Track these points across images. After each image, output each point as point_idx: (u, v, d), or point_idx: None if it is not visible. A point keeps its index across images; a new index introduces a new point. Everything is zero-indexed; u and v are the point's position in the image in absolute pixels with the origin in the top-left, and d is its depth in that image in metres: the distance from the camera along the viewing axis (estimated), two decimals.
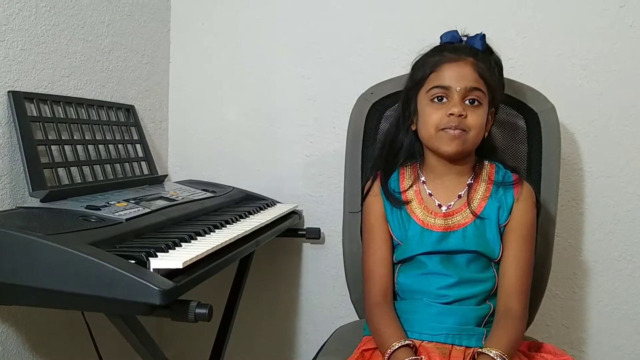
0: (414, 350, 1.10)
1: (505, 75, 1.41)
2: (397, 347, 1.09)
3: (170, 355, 1.28)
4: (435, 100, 1.17)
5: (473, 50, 1.18)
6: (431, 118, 1.17)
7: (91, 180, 1.37)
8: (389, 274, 1.24)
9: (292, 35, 1.78)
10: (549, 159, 1.36)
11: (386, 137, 1.34)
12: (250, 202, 1.69)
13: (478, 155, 1.26)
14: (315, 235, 1.75)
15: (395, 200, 1.25)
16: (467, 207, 1.20)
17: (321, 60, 1.76)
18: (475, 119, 1.15)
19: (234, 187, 1.74)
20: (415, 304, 1.19)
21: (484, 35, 1.21)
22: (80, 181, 1.33)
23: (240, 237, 1.23)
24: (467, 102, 1.15)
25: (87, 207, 1.17)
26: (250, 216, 1.48)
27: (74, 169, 1.32)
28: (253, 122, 1.84)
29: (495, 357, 1.04)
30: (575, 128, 1.58)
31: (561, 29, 1.57)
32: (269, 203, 1.69)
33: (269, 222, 1.45)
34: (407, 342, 1.10)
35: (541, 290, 1.39)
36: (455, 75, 1.16)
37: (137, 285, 0.89)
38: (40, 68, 1.29)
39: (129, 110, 1.63)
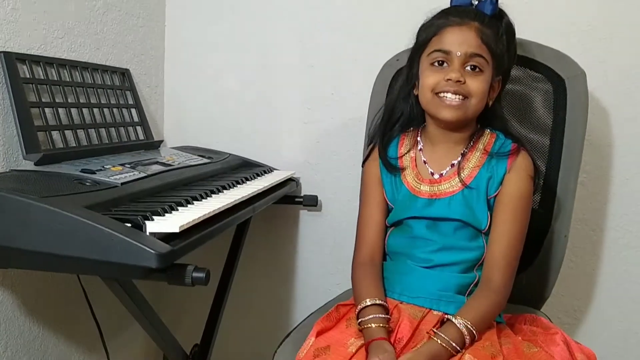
0: (386, 310, 1.11)
1: (534, 39, 1.37)
2: (368, 304, 1.10)
3: (167, 320, 1.28)
4: (436, 64, 1.15)
5: (480, 15, 1.15)
6: (428, 80, 1.15)
7: (86, 144, 1.35)
8: (379, 236, 1.25)
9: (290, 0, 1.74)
10: (573, 129, 1.31)
11: (389, 102, 1.32)
12: (247, 168, 1.68)
13: (481, 123, 1.23)
14: (312, 202, 1.75)
15: (391, 167, 1.24)
16: (457, 175, 1.19)
17: (320, 26, 1.73)
18: (477, 85, 1.13)
19: (230, 154, 1.73)
20: (401, 266, 1.20)
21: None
22: (74, 145, 1.31)
23: (237, 202, 1.23)
24: (467, 68, 1.13)
25: (82, 170, 1.15)
26: (247, 182, 1.47)
27: (68, 133, 1.30)
28: (250, 88, 1.81)
29: (459, 326, 1.03)
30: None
31: None
32: (266, 170, 1.68)
33: (266, 188, 1.44)
34: (379, 301, 1.11)
35: (557, 266, 1.36)
36: (457, 40, 1.13)
37: (133, 249, 0.88)
38: (33, 28, 1.26)
39: (124, 74, 1.60)
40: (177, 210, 1.08)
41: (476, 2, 1.18)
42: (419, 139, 1.26)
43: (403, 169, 1.24)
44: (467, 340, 1.03)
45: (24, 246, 0.93)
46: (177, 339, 1.30)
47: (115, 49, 1.58)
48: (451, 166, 1.21)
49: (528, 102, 1.38)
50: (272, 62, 1.78)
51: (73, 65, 1.37)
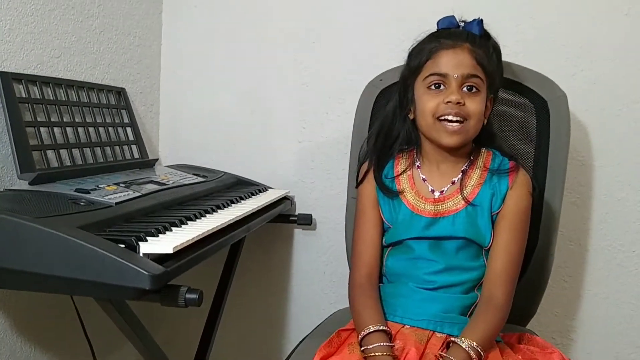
0: (389, 336, 1.10)
1: (514, 61, 1.40)
2: (371, 330, 1.09)
3: (159, 341, 1.27)
4: (433, 87, 1.16)
5: (470, 36, 1.17)
6: (428, 105, 1.15)
7: (81, 163, 1.35)
8: (376, 257, 1.24)
9: (286, 19, 1.76)
10: (556, 149, 1.33)
11: (382, 125, 1.31)
12: (242, 187, 1.68)
13: (476, 142, 1.24)
14: (306, 221, 1.75)
15: (388, 191, 1.24)
16: (460, 193, 1.19)
17: (315, 46, 1.74)
18: (474, 106, 1.14)
19: (225, 172, 1.73)
20: (401, 288, 1.19)
21: (481, 20, 1.19)
22: (69, 164, 1.31)
23: (231, 222, 1.23)
24: (464, 89, 1.14)
25: (77, 190, 1.15)
26: (242, 201, 1.47)
27: (63, 152, 1.30)
28: (246, 107, 1.82)
29: (467, 349, 1.03)
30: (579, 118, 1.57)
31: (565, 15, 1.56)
32: (261, 189, 1.68)
33: (261, 207, 1.45)
34: (382, 327, 1.10)
35: (543, 284, 1.38)
36: (452, 62, 1.14)
37: (127, 270, 0.88)
38: (29, 48, 1.27)
39: (120, 92, 1.61)
40: (171, 230, 1.07)
41: (462, 24, 1.20)
42: (415, 157, 1.27)
43: (401, 192, 1.24)
44: None
45: (17, 267, 0.93)
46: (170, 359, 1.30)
47: (112, 68, 1.59)
48: (452, 183, 1.21)
49: (511, 123, 1.40)
50: (267, 81, 1.80)
51: (69, 84, 1.38)
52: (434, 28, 1.23)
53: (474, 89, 1.14)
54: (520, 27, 1.57)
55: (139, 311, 1.17)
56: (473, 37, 1.17)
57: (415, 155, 1.27)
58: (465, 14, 1.23)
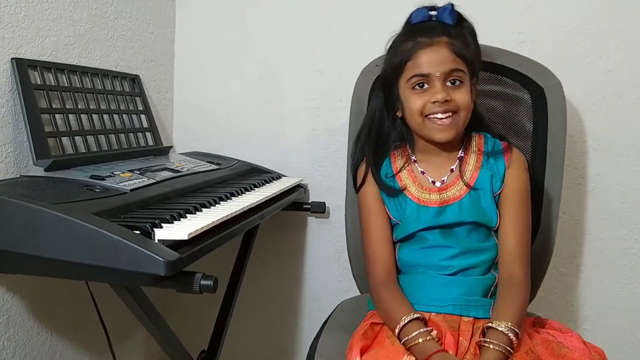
0: (424, 322, 1.09)
1: (516, 50, 1.40)
2: (407, 321, 1.08)
3: (174, 325, 1.28)
4: (417, 87, 1.16)
5: (445, 28, 1.15)
6: (415, 106, 1.16)
7: (95, 150, 1.36)
8: (390, 254, 1.24)
9: (300, 6, 1.75)
10: (554, 135, 1.34)
11: (371, 126, 1.30)
12: (255, 175, 1.68)
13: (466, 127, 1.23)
14: (320, 209, 1.75)
15: (391, 191, 1.24)
16: (460, 179, 1.20)
17: (329, 32, 1.73)
18: (461, 97, 1.14)
19: (239, 160, 1.73)
20: (419, 277, 1.19)
21: (451, 5, 1.17)
22: (84, 151, 1.32)
23: (245, 209, 1.23)
24: (448, 83, 1.14)
25: (92, 177, 1.16)
26: (256, 189, 1.47)
27: (78, 139, 1.31)
28: (259, 94, 1.82)
29: (506, 332, 1.03)
30: (585, 105, 1.55)
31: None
32: (275, 176, 1.68)
33: (274, 195, 1.44)
34: (416, 315, 1.09)
35: (544, 266, 1.38)
36: (433, 61, 1.13)
37: (142, 256, 0.88)
38: (44, 35, 1.27)
39: (134, 80, 1.61)
40: (186, 217, 1.08)
41: (434, 13, 1.18)
42: (409, 152, 1.27)
43: (404, 188, 1.24)
44: (514, 341, 1.03)
45: (33, 252, 0.94)
46: (184, 345, 1.30)
47: (126, 54, 1.59)
48: (451, 172, 1.22)
49: (509, 110, 1.39)
50: (281, 68, 1.79)
51: (84, 71, 1.38)
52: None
53: (458, 82, 1.14)
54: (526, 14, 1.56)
55: (153, 295, 1.18)
56: (448, 28, 1.15)
57: (410, 150, 1.27)
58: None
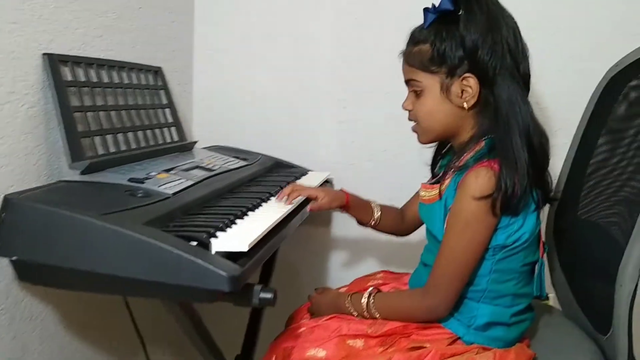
0: None
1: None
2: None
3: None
4: None
5: (411, 38, 1.15)
6: None
7: (124, 148, 1.28)
8: None
9: None
10: None
11: None
12: (281, 170, 1.63)
13: (485, 131, 1.10)
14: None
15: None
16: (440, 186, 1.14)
17: (357, 22, 1.67)
18: (418, 107, 1.14)
19: (262, 154, 1.67)
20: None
21: (432, 7, 1.10)
22: (114, 150, 1.24)
23: (290, 211, 1.17)
24: (412, 93, 1.15)
25: (130, 180, 1.09)
26: None
27: (109, 137, 1.23)
28: (281, 85, 1.75)
29: (365, 302, 1.13)
30: None
31: None
32: (302, 172, 1.62)
33: None
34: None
35: None
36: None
37: (205, 271, 0.83)
38: (74, 27, 1.19)
39: (157, 72, 1.53)
40: (236, 223, 1.02)
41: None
42: None
43: None
44: (367, 316, 1.13)
45: (82, 267, 0.88)
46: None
47: (149, 45, 1.51)
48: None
49: None
50: (305, 57, 1.73)
51: (111, 65, 1.30)
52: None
53: (417, 92, 1.14)
54: None
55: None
56: (412, 36, 1.15)
57: None
58: None
